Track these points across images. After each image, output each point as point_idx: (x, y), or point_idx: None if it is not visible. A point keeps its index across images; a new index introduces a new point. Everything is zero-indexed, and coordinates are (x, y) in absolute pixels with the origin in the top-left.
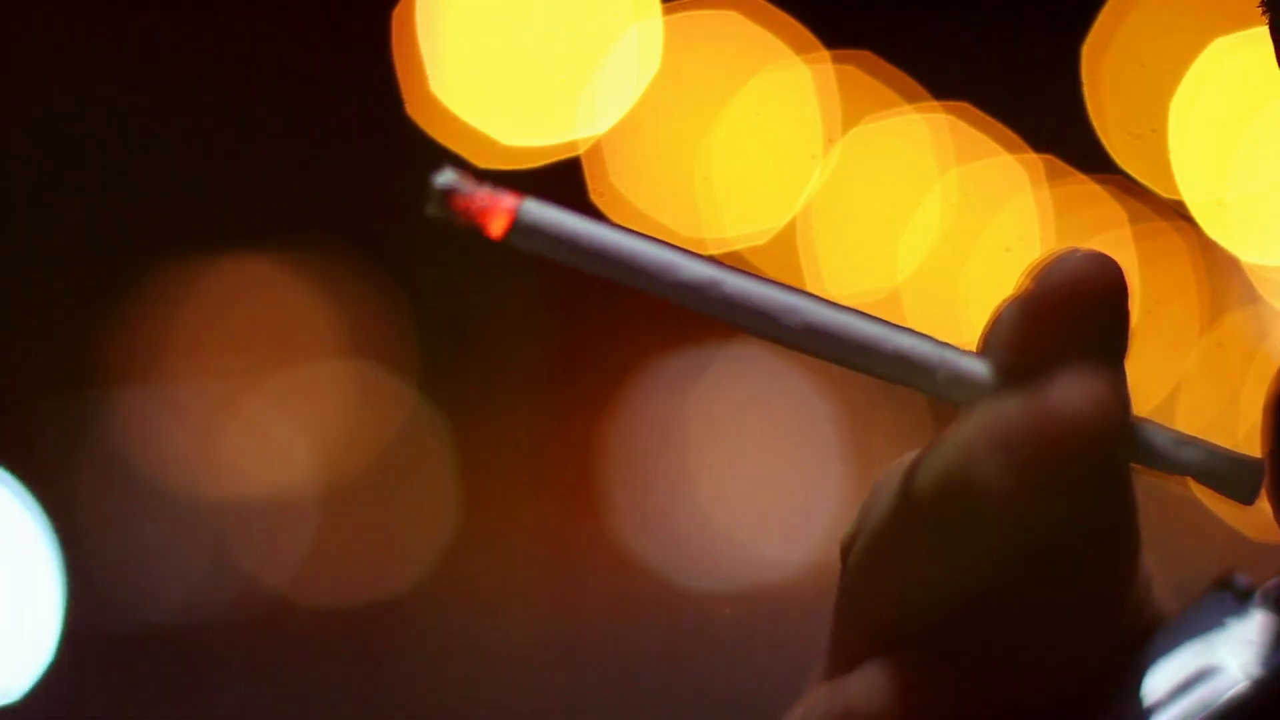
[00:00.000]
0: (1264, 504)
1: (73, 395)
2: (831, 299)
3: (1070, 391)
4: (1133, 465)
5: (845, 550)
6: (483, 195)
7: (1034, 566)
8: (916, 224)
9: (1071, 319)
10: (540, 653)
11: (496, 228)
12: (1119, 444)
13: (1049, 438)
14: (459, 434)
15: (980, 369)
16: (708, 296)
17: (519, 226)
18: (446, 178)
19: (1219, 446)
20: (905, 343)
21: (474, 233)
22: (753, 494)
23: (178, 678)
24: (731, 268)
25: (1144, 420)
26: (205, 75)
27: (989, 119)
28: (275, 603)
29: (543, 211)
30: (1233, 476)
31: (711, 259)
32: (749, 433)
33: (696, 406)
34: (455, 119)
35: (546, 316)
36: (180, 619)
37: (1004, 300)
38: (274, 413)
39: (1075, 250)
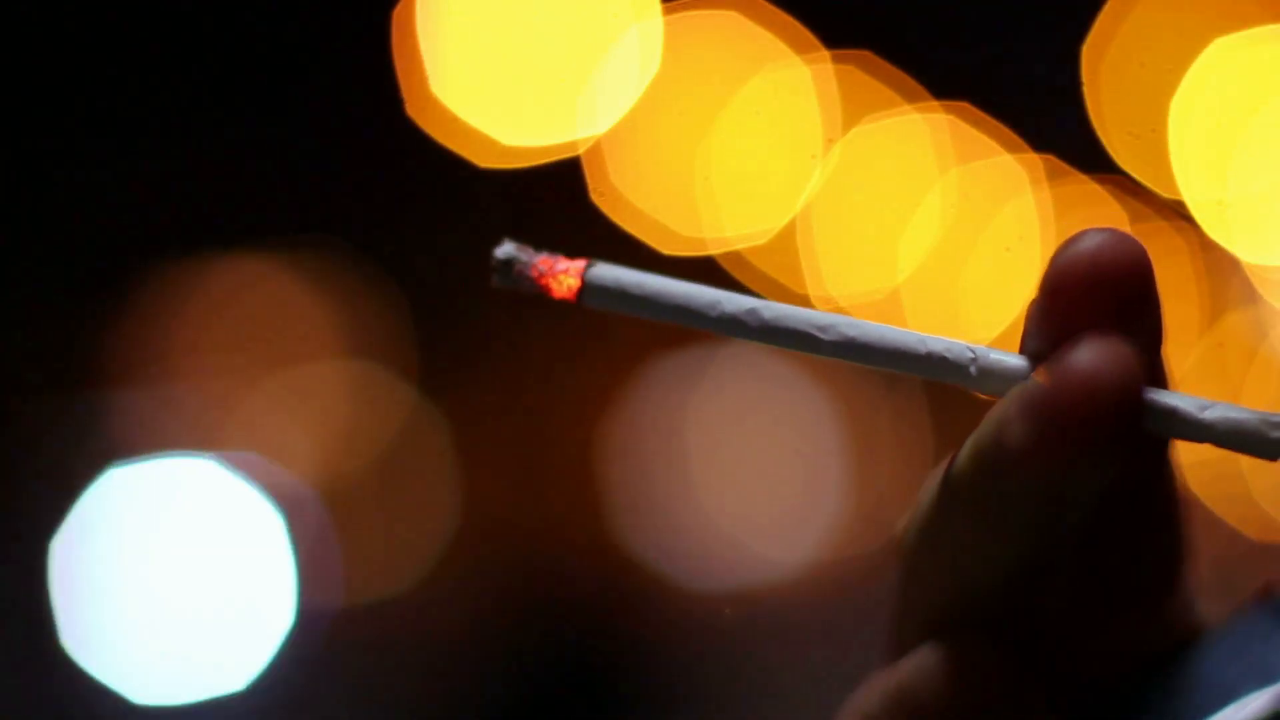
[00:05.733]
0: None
1: (73, 395)
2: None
3: (1084, 353)
4: (1160, 437)
5: (901, 537)
6: (542, 261)
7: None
8: (916, 224)
9: (1091, 295)
10: (539, 653)
11: (561, 290)
12: (1136, 404)
13: (1064, 395)
14: (459, 434)
15: (1011, 360)
16: (750, 325)
17: (588, 288)
18: (506, 249)
19: (1241, 407)
20: (938, 345)
21: (541, 297)
22: (752, 494)
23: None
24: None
25: (1163, 390)
26: (204, 74)
27: (989, 119)
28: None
29: (608, 271)
30: (1260, 434)
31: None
32: (749, 432)
33: (696, 406)
34: (455, 119)
35: (547, 315)
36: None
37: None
38: (274, 413)
39: (1091, 230)
